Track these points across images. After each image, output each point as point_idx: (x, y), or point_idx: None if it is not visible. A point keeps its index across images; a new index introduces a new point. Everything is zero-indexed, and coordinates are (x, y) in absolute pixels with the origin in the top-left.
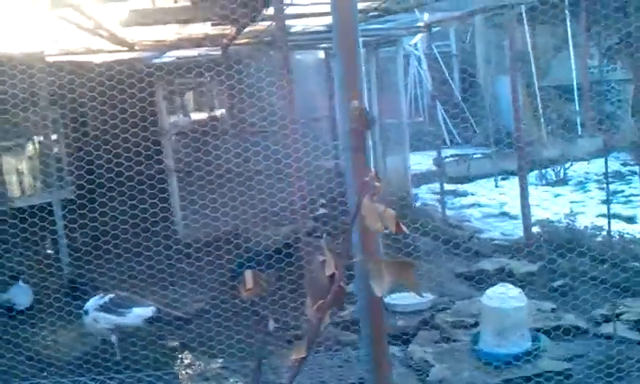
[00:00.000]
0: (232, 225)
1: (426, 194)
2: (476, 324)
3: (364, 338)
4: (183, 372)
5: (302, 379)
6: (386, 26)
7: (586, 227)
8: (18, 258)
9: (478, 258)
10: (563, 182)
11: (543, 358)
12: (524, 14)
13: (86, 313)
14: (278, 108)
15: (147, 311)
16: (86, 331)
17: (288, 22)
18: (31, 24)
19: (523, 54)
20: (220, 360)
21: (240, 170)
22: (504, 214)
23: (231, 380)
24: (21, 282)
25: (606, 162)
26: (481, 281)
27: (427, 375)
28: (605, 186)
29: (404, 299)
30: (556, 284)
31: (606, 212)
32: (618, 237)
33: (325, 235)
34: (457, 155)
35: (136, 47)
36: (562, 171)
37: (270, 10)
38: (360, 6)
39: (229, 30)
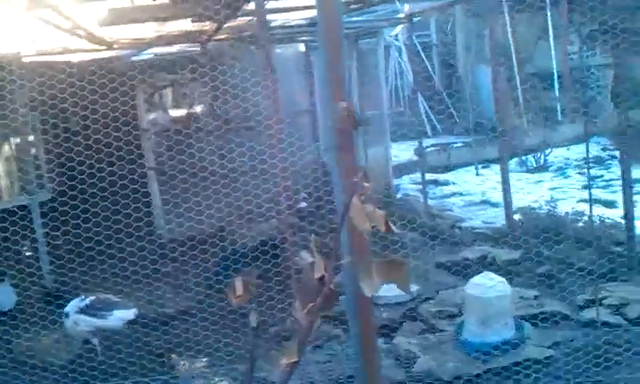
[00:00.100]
0: (214, 223)
1: (407, 185)
2: (460, 313)
3: (353, 334)
4: (169, 377)
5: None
6: (367, 18)
7: (566, 213)
8: None
9: (461, 247)
10: (543, 168)
11: (527, 345)
12: (504, 3)
13: (67, 315)
14: (259, 103)
15: (129, 313)
16: (67, 334)
17: (268, 17)
18: (7, 25)
19: (503, 43)
20: (205, 360)
21: (221, 168)
22: (485, 202)
23: (216, 379)
24: (4, 283)
25: (587, 149)
26: (464, 270)
27: (413, 367)
28: (584, 171)
29: (388, 291)
30: (538, 271)
31: (586, 197)
32: (598, 222)
33: (313, 236)
34: (438, 145)
35: (114, 46)
36: (542, 158)
37: (250, 5)
38: None
39: (208, 26)
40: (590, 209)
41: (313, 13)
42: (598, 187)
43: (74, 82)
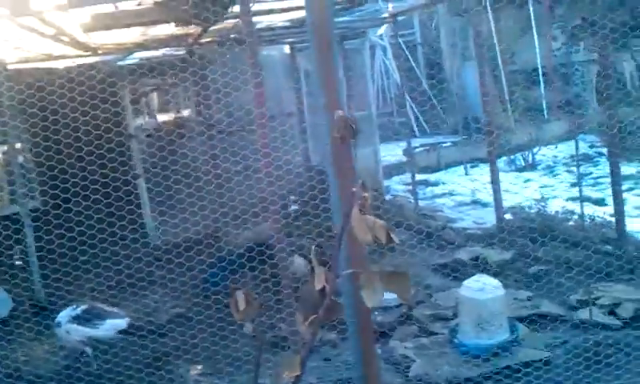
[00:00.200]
0: (204, 226)
1: (397, 186)
2: (454, 316)
3: (352, 340)
4: None
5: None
6: (352, 19)
7: (557, 212)
8: None
9: (453, 248)
10: (532, 166)
11: (522, 347)
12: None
13: (59, 325)
14: (245, 106)
15: (121, 323)
16: (59, 343)
17: (253, 19)
18: None
19: (488, 40)
20: (199, 367)
21: (209, 171)
22: (476, 202)
23: None
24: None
25: (576, 147)
26: (456, 271)
27: (408, 370)
28: (573, 169)
29: None
30: (531, 271)
31: (575, 195)
32: (589, 220)
33: (314, 247)
34: (426, 144)
35: (99, 51)
36: (530, 156)
37: (236, 8)
38: None
39: (193, 29)
40: (582, 207)
41: (298, 14)
42: (587, 185)
43: (61, 89)
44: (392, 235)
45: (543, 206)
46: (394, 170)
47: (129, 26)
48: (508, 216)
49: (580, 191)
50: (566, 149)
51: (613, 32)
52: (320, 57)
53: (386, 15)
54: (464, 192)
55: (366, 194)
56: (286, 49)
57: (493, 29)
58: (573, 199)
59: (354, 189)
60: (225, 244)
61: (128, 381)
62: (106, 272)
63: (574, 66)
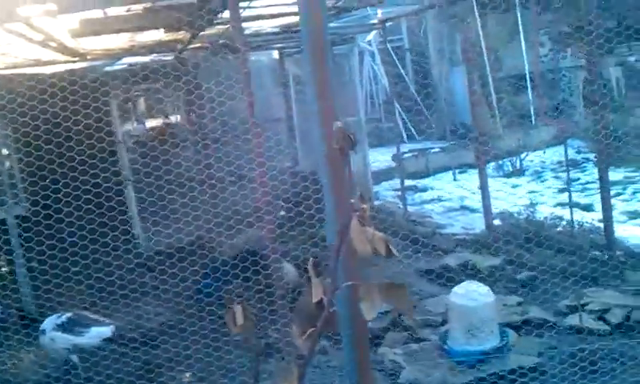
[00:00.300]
0: (193, 233)
1: (386, 191)
2: (444, 322)
3: (346, 348)
4: None
5: None
6: (341, 24)
7: (545, 218)
8: None
9: (442, 254)
10: (520, 172)
11: (513, 353)
12: (475, 5)
13: (43, 332)
14: (235, 111)
15: (106, 330)
16: (44, 351)
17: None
18: None
19: (475, 46)
20: (188, 375)
21: (198, 177)
22: (464, 208)
23: None
24: None
25: (565, 152)
26: (446, 277)
27: (398, 377)
28: (560, 174)
29: None
30: (520, 277)
31: (563, 201)
32: (577, 226)
33: (310, 258)
34: (415, 150)
35: (87, 57)
36: (518, 162)
37: (225, 14)
38: None
39: (182, 35)
40: (571, 213)
41: (287, 20)
42: (574, 190)
43: (48, 94)
44: (391, 248)
45: (532, 212)
46: (382, 175)
47: (118, 31)
48: (497, 222)
49: (570, 197)
50: (553, 154)
51: (599, 38)
52: (314, 61)
53: (374, 21)
54: (453, 198)
55: (365, 206)
56: (275, 54)
57: (481, 34)
58: (561, 205)
59: (353, 200)
60: (215, 252)
61: None
62: (94, 280)
63: (562, 71)
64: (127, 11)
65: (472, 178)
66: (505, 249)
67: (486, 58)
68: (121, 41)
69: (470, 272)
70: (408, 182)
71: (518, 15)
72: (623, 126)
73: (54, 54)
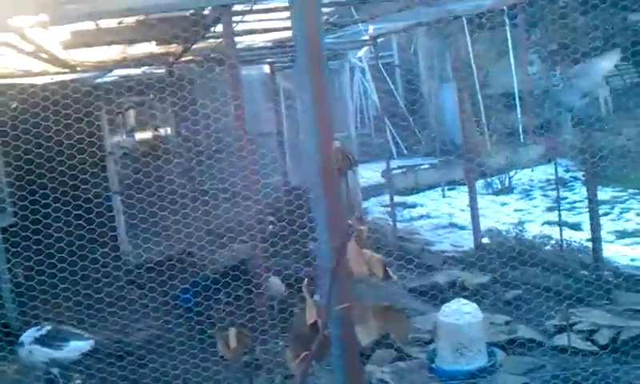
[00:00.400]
0: (181, 246)
1: (375, 207)
2: (432, 340)
3: (337, 370)
4: None
5: None
6: (333, 40)
7: (534, 236)
8: None
9: (430, 271)
10: (508, 190)
11: (500, 373)
12: (465, 24)
13: (22, 345)
14: (226, 125)
15: (85, 345)
16: (23, 364)
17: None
18: None
19: (465, 64)
20: None
21: (187, 190)
22: (453, 225)
23: None
24: None
25: (556, 171)
26: (434, 296)
27: None
28: (549, 193)
29: None
30: (508, 295)
31: (551, 219)
32: (566, 245)
33: (305, 279)
34: (404, 166)
35: (78, 68)
36: (507, 180)
37: (218, 28)
38: None
39: (174, 48)
40: (561, 233)
41: (279, 35)
42: (563, 209)
43: (37, 106)
44: (389, 271)
45: (521, 231)
46: (371, 191)
47: (109, 43)
48: (485, 240)
49: (559, 215)
50: (541, 173)
51: (586, 57)
52: (311, 65)
53: (366, 37)
54: (441, 214)
55: (363, 227)
56: (266, 68)
57: (470, 52)
58: (549, 223)
59: (350, 221)
60: (197, 267)
61: None
62: (79, 293)
63: (550, 90)
64: (119, 24)
65: (461, 195)
66: (493, 267)
67: (475, 76)
68: (112, 53)
69: (458, 290)
70: (397, 199)
71: (508, 34)
72: (610, 146)
73: (45, 65)
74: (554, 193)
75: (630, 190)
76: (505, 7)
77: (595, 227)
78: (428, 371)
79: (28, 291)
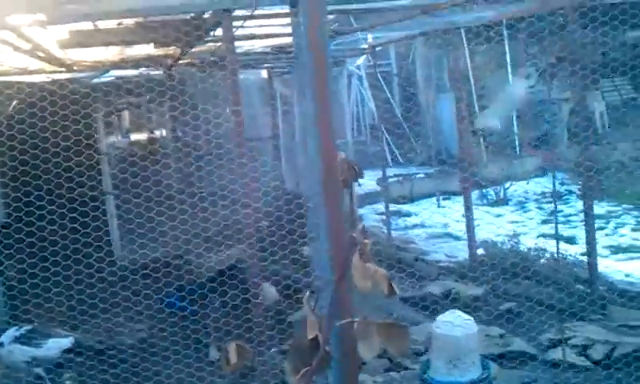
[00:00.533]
0: (174, 248)
1: (370, 215)
2: (425, 351)
3: (335, 379)
4: None
5: None
6: (332, 48)
7: (529, 249)
8: None
9: (424, 281)
10: (503, 201)
11: None
12: (463, 35)
13: (2, 345)
14: (223, 129)
15: (65, 342)
16: (5, 365)
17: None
18: None
19: (463, 75)
20: None
21: (182, 193)
22: (448, 235)
23: None
24: None
25: (553, 184)
26: (428, 306)
27: None
28: (544, 205)
29: None
30: (503, 307)
31: (546, 232)
32: (560, 258)
33: (307, 292)
34: (400, 175)
35: (74, 68)
36: (502, 191)
37: (217, 32)
38: None
39: (172, 50)
40: (557, 247)
41: (278, 40)
42: (558, 222)
43: (31, 104)
44: (394, 286)
45: (516, 243)
46: (366, 199)
47: (107, 44)
48: (480, 251)
49: (556, 229)
50: (537, 185)
51: (583, 69)
52: (317, 64)
53: (365, 46)
54: (436, 224)
55: (367, 241)
56: (264, 73)
57: (469, 64)
58: (544, 236)
59: (355, 234)
60: (189, 269)
61: None
62: (70, 293)
63: (547, 103)
64: (118, 25)
65: (456, 205)
66: (488, 279)
67: (472, 87)
68: (110, 53)
69: (453, 301)
70: (392, 207)
71: (506, 46)
72: (606, 160)
73: (41, 63)
74: (549, 205)
75: (625, 205)
76: (504, 20)
77: (591, 241)
78: (421, 382)
79: (20, 294)
